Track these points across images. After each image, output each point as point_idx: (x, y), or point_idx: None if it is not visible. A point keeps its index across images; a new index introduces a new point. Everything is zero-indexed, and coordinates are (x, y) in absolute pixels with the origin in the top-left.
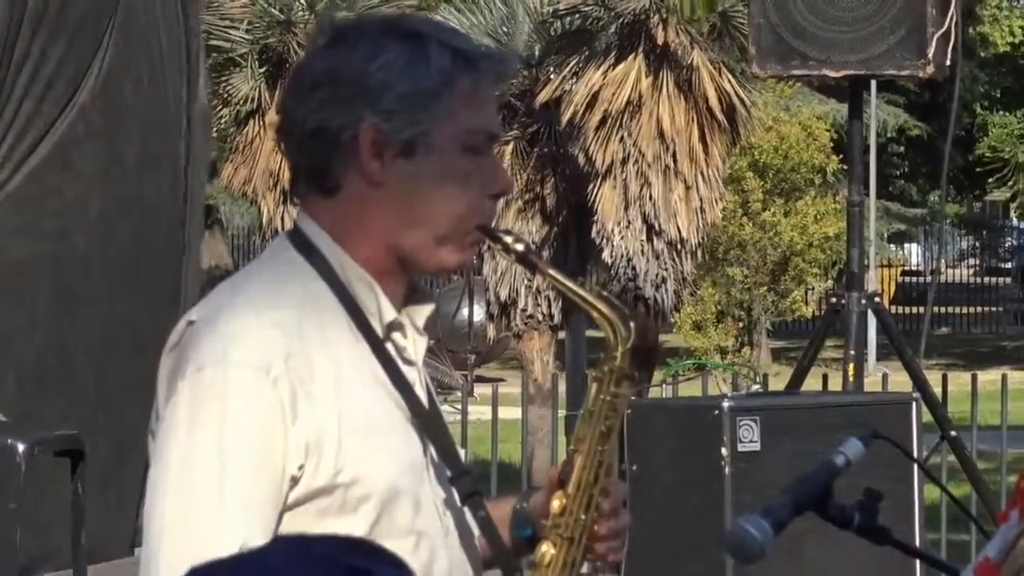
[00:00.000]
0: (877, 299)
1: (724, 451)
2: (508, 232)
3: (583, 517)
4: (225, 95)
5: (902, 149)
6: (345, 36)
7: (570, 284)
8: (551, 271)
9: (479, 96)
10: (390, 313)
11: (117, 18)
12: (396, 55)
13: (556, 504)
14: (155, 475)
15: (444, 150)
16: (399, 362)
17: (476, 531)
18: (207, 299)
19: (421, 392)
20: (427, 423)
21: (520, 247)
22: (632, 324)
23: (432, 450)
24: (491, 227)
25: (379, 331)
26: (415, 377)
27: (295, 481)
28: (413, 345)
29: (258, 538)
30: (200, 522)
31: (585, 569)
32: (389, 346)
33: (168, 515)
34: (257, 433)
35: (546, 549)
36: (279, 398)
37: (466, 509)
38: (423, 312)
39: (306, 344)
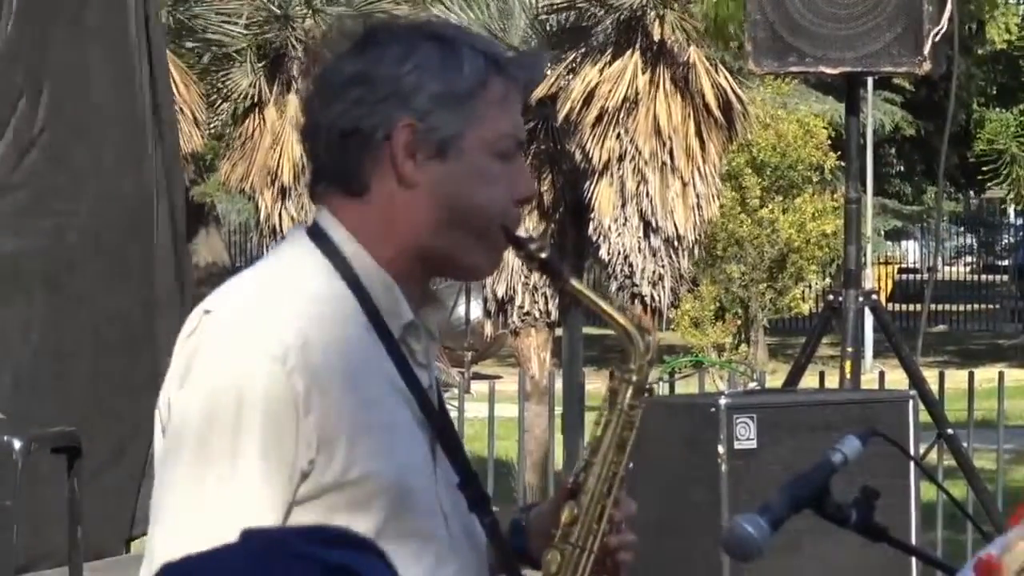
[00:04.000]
0: (874, 296)
1: (721, 448)
2: (532, 239)
3: (595, 527)
4: (224, 90)
5: (899, 146)
6: (374, 39)
7: (592, 296)
8: (574, 282)
9: (509, 101)
10: (408, 314)
11: (89, 12)
12: (428, 57)
13: (567, 513)
14: (166, 460)
15: (476, 153)
16: (412, 364)
17: (483, 537)
18: (223, 289)
19: (432, 396)
20: (437, 427)
21: (544, 255)
22: (651, 338)
23: (441, 454)
24: (516, 233)
25: (395, 332)
26: (427, 380)
27: (305, 475)
28: (425, 348)
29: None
30: (209, 510)
31: None
32: (403, 348)
33: (178, 501)
34: (270, 424)
35: (554, 557)
36: (293, 389)
37: (473, 515)
38: (434, 317)
39: (322, 338)
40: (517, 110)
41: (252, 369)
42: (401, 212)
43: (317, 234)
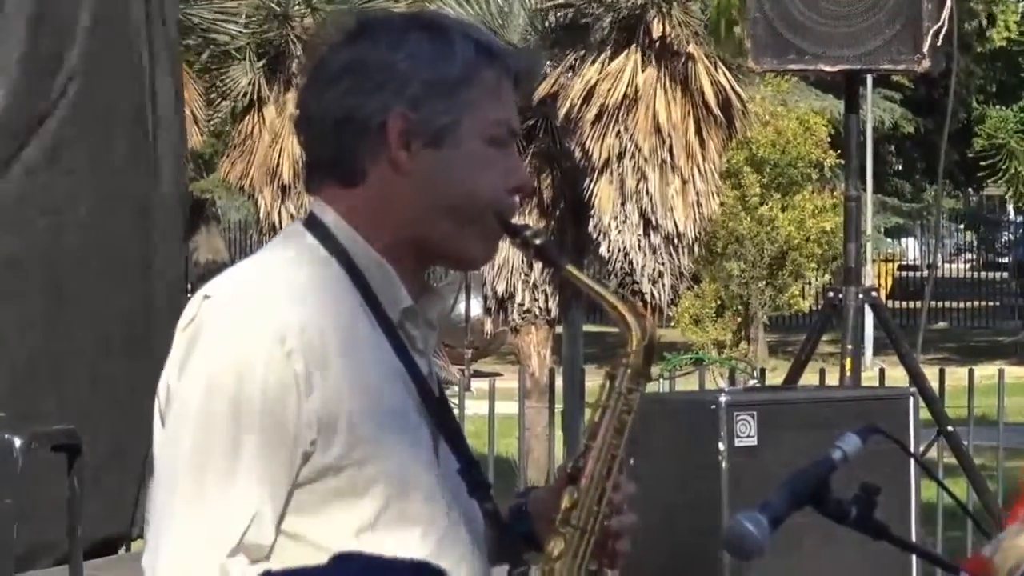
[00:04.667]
0: (874, 294)
1: (721, 446)
2: (527, 227)
3: (595, 509)
4: (223, 88)
5: (898, 144)
6: (367, 30)
7: (588, 282)
8: (570, 268)
9: (502, 89)
10: (406, 300)
11: (96, 12)
12: (421, 45)
13: (567, 498)
14: (167, 445)
15: (470, 140)
16: (411, 350)
17: (483, 523)
18: (222, 276)
19: (432, 382)
20: (437, 413)
21: (539, 242)
22: (647, 323)
23: (441, 440)
24: (510, 221)
25: (394, 318)
26: (426, 367)
27: (307, 457)
28: (424, 336)
29: (269, 512)
30: (212, 493)
31: (592, 567)
32: (401, 334)
33: (180, 486)
34: (271, 406)
35: (555, 542)
36: (293, 371)
37: (473, 501)
38: (434, 307)
39: (320, 321)
40: (511, 99)
41: (251, 351)
42: (395, 199)
43: (313, 223)
